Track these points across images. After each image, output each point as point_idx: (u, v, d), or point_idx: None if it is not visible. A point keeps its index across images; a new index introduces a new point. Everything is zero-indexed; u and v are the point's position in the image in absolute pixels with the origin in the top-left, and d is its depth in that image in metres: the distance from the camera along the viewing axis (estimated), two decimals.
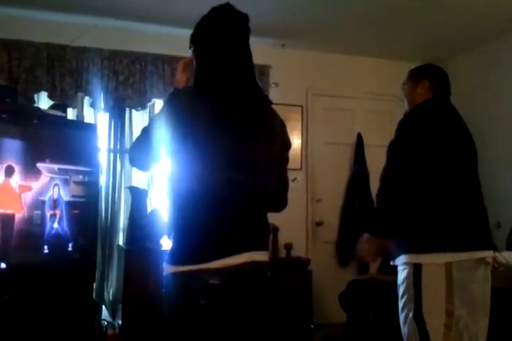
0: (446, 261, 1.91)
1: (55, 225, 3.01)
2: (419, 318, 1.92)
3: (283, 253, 4.25)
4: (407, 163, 1.97)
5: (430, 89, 2.25)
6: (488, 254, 1.99)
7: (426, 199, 1.98)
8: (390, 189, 1.97)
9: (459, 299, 1.91)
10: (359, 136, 4.77)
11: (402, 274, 2.01)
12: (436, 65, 2.40)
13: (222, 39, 1.57)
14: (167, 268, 1.49)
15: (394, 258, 2.07)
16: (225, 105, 1.52)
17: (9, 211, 2.77)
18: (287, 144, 1.68)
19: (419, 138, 1.99)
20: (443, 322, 1.90)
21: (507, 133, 4.26)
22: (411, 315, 1.94)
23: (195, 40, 1.62)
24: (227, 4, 1.60)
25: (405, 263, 1.98)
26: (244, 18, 1.61)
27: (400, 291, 2.01)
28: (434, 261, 1.92)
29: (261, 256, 1.55)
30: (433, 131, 2.02)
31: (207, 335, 1.44)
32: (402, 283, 1.99)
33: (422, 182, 1.97)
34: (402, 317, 2.00)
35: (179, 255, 1.47)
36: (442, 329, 1.90)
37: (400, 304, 2.01)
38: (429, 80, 2.27)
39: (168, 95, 1.58)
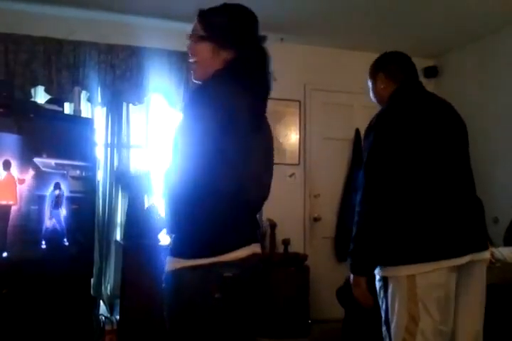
0: (408, 274, 1.83)
1: (53, 220, 3.00)
2: (388, 326, 1.91)
3: (281, 249, 4.25)
4: (384, 175, 1.86)
5: (390, 80, 2.10)
6: (465, 260, 1.84)
7: (395, 211, 1.88)
8: (374, 214, 1.85)
9: (426, 311, 1.82)
10: (357, 132, 4.76)
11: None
12: (391, 52, 2.21)
13: (255, 33, 1.67)
14: (175, 263, 1.45)
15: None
16: (259, 99, 1.59)
17: (3, 202, 2.75)
18: None
19: (391, 146, 1.87)
20: (404, 329, 1.84)
21: (504, 128, 4.27)
22: (384, 328, 1.94)
23: (230, 33, 1.59)
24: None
25: (378, 275, 1.95)
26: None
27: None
28: (396, 274, 1.86)
29: (259, 249, 1.56)
30: (407, 134, 1.89)
31: (222, 328, 1.44)
32: (378, 294, 1.97)
33: (394, 193, 1.87)
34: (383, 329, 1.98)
35: (192, 249, 1.44)
36: (402, 336, 1.84)
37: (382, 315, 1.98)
38: (383, 72, 2.12)
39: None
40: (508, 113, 4.22)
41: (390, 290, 1.89)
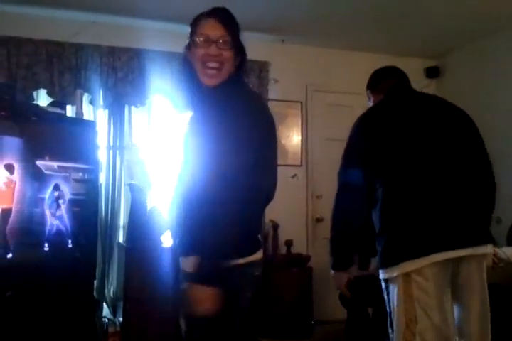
0: (403, 273, 1.85)
1: (56, 223, 3.01)
2: (392, 330, 1.94)
3: (283, 250, 4.25)
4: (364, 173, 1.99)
5: (376, 96, 2.26)
6: (459, 254, 1.87)
7: (383, 210, 1.94)
8: (342, 214, 2.03)
9: (424, 312, 1.83)
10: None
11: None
12: (377, 70, 2.36)
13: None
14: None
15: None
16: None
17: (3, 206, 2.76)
18: None
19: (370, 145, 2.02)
20: (402, 331, 1.87)
21: (506, 128, 4.26)
22: (389, 330, 1.97)
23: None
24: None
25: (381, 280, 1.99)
26: None
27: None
28: (392, 275, 1.88)
29: None
30: (393, 128, 2.00)
31: (249, 325, 1.54)
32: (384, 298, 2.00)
33: (380, 194, 1.95)
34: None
35: (225, 250, 1.42)
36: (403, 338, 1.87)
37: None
38: (369, 90, 2.32)
39: None
40: (509, 113, 4.22)
41: (390, 293, 1.91)
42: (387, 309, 1.96)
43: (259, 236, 1.60)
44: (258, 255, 1.54)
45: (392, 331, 1.93)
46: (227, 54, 1.59)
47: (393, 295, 1.88)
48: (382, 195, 1.93)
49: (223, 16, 1.61)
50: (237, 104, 1.52)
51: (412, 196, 1.89)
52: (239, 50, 1.63)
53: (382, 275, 1.94)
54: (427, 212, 1.87)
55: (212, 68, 1.59)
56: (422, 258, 1.82)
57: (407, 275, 1.83)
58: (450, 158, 1.98)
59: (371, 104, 2.29)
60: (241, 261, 1.47)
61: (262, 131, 1.51)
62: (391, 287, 1.90)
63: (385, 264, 1.91)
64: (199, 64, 1.60)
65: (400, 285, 1.85)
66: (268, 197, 1.59)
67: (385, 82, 2.23)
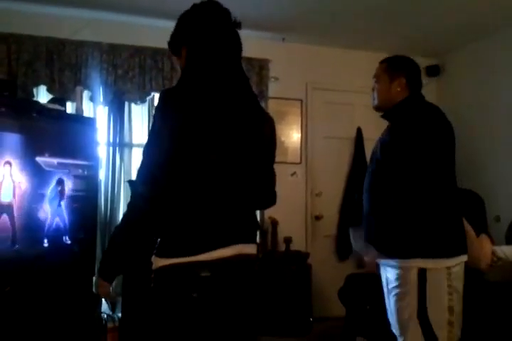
0: (446, 266, 1.99)
1: (56, 219, 3.01)
2: (423, 319, 1.96)
3: (282, 247, 4.26)
4: (416, 170, 1.98)
5: (407, 86, 2.16)
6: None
7: (428, 205, 1.99)
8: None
9: (456, 297, 1.99)
10: (359, 130, 4.77)
11: (398, 276, 2.02)
12: (410, 58, 2.27)
13: (219, 41, 1.57)
14: (157, 262, 1.48)
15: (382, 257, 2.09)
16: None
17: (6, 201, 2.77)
18: None
19: (423, 144, 1.98)
20: (447, 320, 1.97)
21: (506, 127, 4.26)
22: (414, 315, 1.97)
23: (189, 41, 1.59)
24: (213, 1, 1.60)
25: (404, 267, 2.00)
26: (229, 14, 1.60)
27: (396, 293, 2.03)
28: (438, 266, 1.98)
29: (250, 249, 1.56)
30: (433, 137, 2.00)
31: (199, 328, 1.45)
32: (401, 285, 2.01)
33: (424, 188, 1.98)
34: (399, 318, 2.03)
35: (170, 248, 1.47)
36: (446, 327, 1.97)
37: (396, 305, 2.03)
38: (407, 77, 2.17)
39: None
40: (510, 111, 4.22)
41: (428, 282, 1.97)
42: (418, 297, 1.98)
43: (217, 234, 1.47)
44: (211, 255, 1.43)
45: (423, 321, 1.97)
46: (175, 59, 1.69)
47: (434, 285, 1.97)
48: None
49: None
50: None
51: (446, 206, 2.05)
52: (178, 49, 1.61)
53: (420, 263, 1.98)
54: (456, 220, 2.08)
55: None
56: (458, 256, 2.03)
57: (449, 269, 1.99)
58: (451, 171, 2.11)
59: (382, 83, 2.21)
60: (176, 260, 1.42)
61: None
62: (431, 277, 1.97)
63: (431, 255, 1.98)
64: None
65: (444, 277, 1.98)
66: (221, 193, 1.49)
67: (417, 78, 2.22)
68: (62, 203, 3.06)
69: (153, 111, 1.50)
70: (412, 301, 1.98)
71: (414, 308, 1.97)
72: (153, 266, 1.49)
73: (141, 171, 1.47)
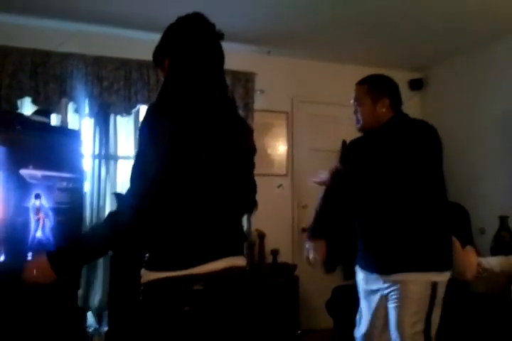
0: (447, 279, 2.06)
1: (39, 233, 2.97)
2: (427, 333, 2.01)
3: (269, 259, 4.24)
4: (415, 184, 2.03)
5: (390, 107, 2.17)
6: None
7: (431, 218, 2.06)
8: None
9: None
10: (343, 143, 4.79)
11: (408, 291, 2.02)
12: (389, 77, 2.28)
13: (201, 51, 1.58)
14: (147, 275, 1.47)
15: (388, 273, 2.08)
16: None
17: None
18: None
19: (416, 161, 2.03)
20: (435, 334, 2.04)
21: (489, 140, 4.32)
22: (422, 329, 2.00)
23: (171, 52, 1.59)
24: (198, 14, 1.60)
25: (416, 281, 2.01)
26: (213, 28, 1.61)
27: (412, 309, 2.02)
28: (444, 279, 2.05)
29: (240, 261, 1.55)
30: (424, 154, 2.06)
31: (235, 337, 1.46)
32: (414, 301, 2.01)
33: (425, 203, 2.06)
34: (406, 332, 2.02)
35: (161, 261, 1.45)
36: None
37: (411, 320, 2.02)
38: (390, 98, 2.18)
39: None
40: (492, 125, 4.28)
41: (437, 295, 2.01)
42: (422, 311, 2.00)
43: (209, 247, 1.46)
44: (204, 268, 1.42)
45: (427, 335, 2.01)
46: (160, 72, 1.68)
47: (439, 298, 2.02)
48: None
49: None
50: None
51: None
52: (161, 61, 1.62)
53: (434, 277, 2.01)
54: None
55: None
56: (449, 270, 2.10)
57: (447, 282, 2.07)
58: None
59: (365, 106, 2.21)
60: (168, 274, 1.41)
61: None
62: (439, 290, 2.02)
63: (441, 268, 2.04)
64: None
65: (444, 290, 2.04)
66: (213, 205, 1.48)
67: (398, 98, 2.25)
68: (41, 217, 3.01)
69: (140, 126, 1.47)
70: (422, 317, 2.01)
71: (423, 324, 2.00)
72: (143, 280, 1.47)
73: (133, 184, 1.44)
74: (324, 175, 2.28)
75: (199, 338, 1.43)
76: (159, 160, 1.41)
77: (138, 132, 1.48)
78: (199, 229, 1.45)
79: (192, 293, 1.41)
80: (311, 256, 2.23)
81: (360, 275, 2.27)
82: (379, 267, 2.11)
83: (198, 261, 1.42)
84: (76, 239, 1.60)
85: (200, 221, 1.46)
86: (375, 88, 2.20)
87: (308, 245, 2.27)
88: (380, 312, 2.16)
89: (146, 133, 1.44)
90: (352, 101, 2.28)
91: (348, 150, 2.26)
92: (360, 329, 2.26)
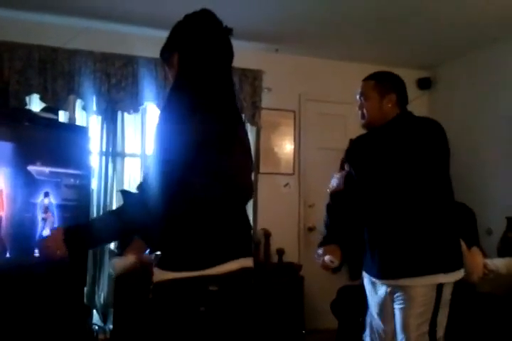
0: (455, 279, 2.03)
1: (46, 231, 2.98)
2: (432, 335, 1.98)
3: (275, 259, 4.24)
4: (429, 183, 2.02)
5: (398, 103, 2.15)
6: None
7: (441, 220, 2.05)
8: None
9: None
10: (351, 142, 4.77)
11: (413, 293, 2.00)
12: (396, 74, 2.26)
13: (211, 45, 1.57)
14: (161, 274, 1.46)
15: (398, 277, 2.05)
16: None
17: None
18: None
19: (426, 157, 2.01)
20: (443, 334, 2.02)
21: (498, 140, 4.29)
22: (427, 331, 1.99)
23: (180, 47, 1.59)
24: (206, 11, 1.60)
25: (422, 284, 1.99)
26: (221, 24, 1.61)
27: (417, 311, 2.00)
28: (451, 280, 2.02)
29: (250, 262, 1.55)
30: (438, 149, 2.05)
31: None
32: (419, 302, 1.99)
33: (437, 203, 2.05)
34: (412, 335, 2.00)
35: (177, 261, 1.45)
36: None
37: (416, 321, 2.00)
38: (397, 94, 2.15)
39: None
40: (500, 125, 4.25)
41: (443, 296, 1.99)
42: (427, 313, 1.99)
43: (225, 248, 1.46)
44: (218, 269, 1.42)
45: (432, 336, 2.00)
46: (167, 69, 1.68)
47: (445, 299, 2.00)
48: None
49: None
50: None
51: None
52: (170, 57, 1.61)
53: (441, 279, 1.99)
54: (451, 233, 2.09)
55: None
56: (460, 270, 2.06)
57: (456, 282, 2.04)
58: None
59: (372, 100, 2.19)
60: (184, 274, 1.41)
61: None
62: (446, 291, 2.00)
63: (449, 269, 2.01)
64: None
65: (450, 290, 2.02)
66: (228, 204, 1.50)
67: (405, 95, 2.22)
68: (49, 214, 3.02)
69: (163, 117, 1.48)
70: (427, 319, 1.99)
71: (427, 325, 1.99)
72: (156, 279, 1.47)
73: (156, 180, 1.45)
74: (336, 182, 2.26)
75: (214, 338, 1.43)
76: (183, 160, 1.41)
77: (159, 125, 1.48)
78: (216, 230, 1.45)
79: (207, 294, 1.41)
80: (326, 258, 2.20)
81: (367, 279, 2.25)
82: (384, 273, 2.09)
83: (214, 262, 1.43)
84: (92, 220, 1.65)
85: (217, 222, 1.46)
86: (383, 83, 2.18)
87: (321, 250, 2.24)
88: (388, 316, 2.14)
89: (174, 128, 1.44)
90: (358, 97, 2.24)
91: (353, 147, 2.23)
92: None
